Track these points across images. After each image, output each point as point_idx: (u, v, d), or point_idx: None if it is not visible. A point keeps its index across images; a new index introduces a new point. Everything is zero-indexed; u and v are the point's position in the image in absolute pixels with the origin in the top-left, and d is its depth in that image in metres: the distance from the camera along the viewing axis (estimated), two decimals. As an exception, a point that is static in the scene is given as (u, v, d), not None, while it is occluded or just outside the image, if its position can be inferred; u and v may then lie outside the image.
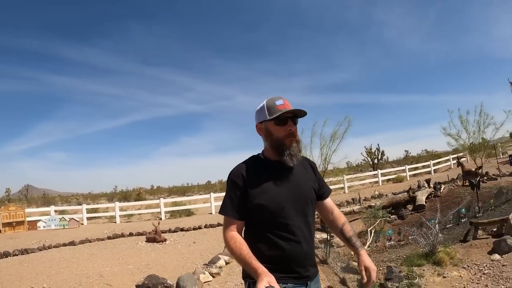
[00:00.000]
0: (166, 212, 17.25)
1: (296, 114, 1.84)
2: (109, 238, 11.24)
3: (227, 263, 6.35)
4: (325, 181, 2.20)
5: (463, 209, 7.67)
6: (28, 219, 15.72)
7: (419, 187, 11.98)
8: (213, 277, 5.70)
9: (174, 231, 11.65)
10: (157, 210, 17.48)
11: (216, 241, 9.01)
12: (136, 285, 4.83)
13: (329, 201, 2.11)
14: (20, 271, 7.33)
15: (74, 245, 10.39)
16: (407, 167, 24.94)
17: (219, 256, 6.44)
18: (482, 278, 4.80)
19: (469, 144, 16.35)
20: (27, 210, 16.86)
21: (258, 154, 1.97)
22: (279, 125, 1.80)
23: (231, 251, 1.72)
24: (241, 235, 1.79)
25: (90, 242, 10.74)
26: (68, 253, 9.21)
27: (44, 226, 15.32)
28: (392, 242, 6.95)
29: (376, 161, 35.67)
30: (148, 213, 18.51)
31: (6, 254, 9.22)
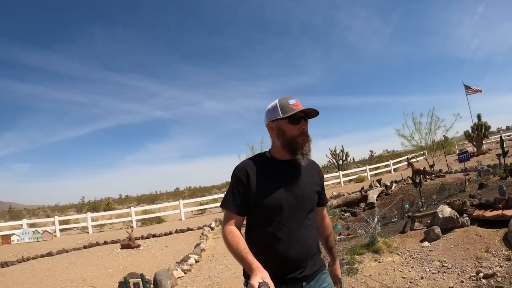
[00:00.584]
0: (137, 221, 17.92)
1: (308, 114, 1.87)
2: (85, 247, 11.86)
3: (196, 261, 7.27)
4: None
5: (407, 205, 8.35)
6: (0, 233, 16.09)
7: (371, 186, 13.10)
8: (185, 273, 6.59)
9: (147, 238, 12.38)
10: (128, 218, 18.06)
11: (187, 244, 9.86)
12: (119, 282, 5.58)
13: (323, 209, 2.20)
14: (5, 282, 7.95)
15: (52, 255, 10.99)
16: (368, 167, 26.41)
17: (190, 255, 7.32)
18: (411, 262, 5.56)
19: (421, 145, 17.65)
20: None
21: (265, 152, 1.99)
22: (293, 124, 1.81)
23: (228, 245, 1.72)
24: (239, 231, 1.79)
25: (67, 252, 11.34)
26: (47, 263, 9.84)
27: (18, 240, 15.66)
28: (342, 236, 7.81)
29: (341, 162, 36.11)
30: (119, 222, 19.03)
31: None
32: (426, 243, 5.93)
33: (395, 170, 26.65)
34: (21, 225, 17.73)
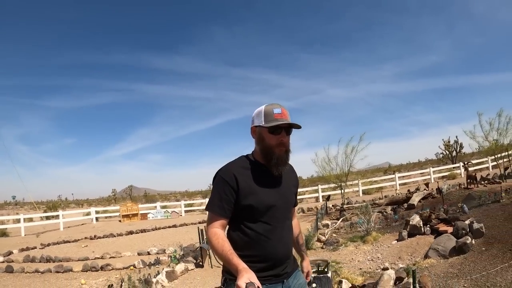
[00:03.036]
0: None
1: (291, 125, 1.86)
2: (199, 222, 16.36)
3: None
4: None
5: (427, 209, 8.94)
6: (140, 212, 21.80)
7: (417, 189, 14.37)
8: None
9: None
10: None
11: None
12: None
13: (295, 209, 2.25)
14: (144, 239, 12.88)
15: (176, 227, 16.01)
16: (460, 164, 24.34)
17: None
18: (373, 251, 7.10)
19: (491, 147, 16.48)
20: (140, 206, 23.00)
21: (247, 155, 1.98)
22: (273, 134, 1.82)
23: (213, 247, 1.74)
24: (224, 233, 1.79)
25: (186, 225, 16.17)
26: (172, 231, 14.83)
27: (152, 217, 21.26)
28: (361, 228, 9.06)
29: (454, 153, 33.77)
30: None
31: (131, 232, 15.00)
32: (395, 242, 7.23)
33: (493, 167, 23.82)
34: (155, 206, 23.39)
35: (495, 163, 18.44)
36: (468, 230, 6.21)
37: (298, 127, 1.88)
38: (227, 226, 1.90)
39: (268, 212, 1.83)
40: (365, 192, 22.44)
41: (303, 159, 22.31)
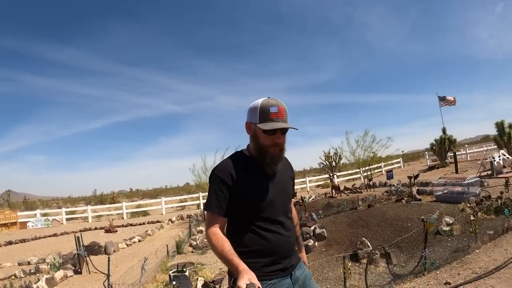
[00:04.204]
0: (128, 213, 22.36)
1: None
2: (80, 231, 16.27)
3: (139, 240, 11.66)
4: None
5: None
6: (19, 220, 20.80)
7: None
8: (127, 245, 11.00)
9: (125, 226, 16.89)
10: (121, 211, 22.57)
11: (143, 230, 14.19)
12: (85, 245, 9.82)
13: (292, 201, 2.21)
14: (24, 249, 12.67)
15: (56, 236, 15.73)
16: (337, 174, 27.86)
17: (135, 236, 11.74)
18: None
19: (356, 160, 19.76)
20: (18, 213, 21.92)
21: (242, 150, 1.98)
22: (267, 134, 1.78)
23: (213, 247, 1.72)
24: (223, 232, 1.78)
25: (68, 234, 15.95)
26: (53, 239, 14.62)
27: (32, 226, 20.38)
28: None
29: (334, 164, 34.11)
30: (115, 213, 23.36)
31: (10, 242, 14.50)
32: None
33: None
34: (35, 214, 22.46)
35: (365, 174, 20.64)
36: (312, 234, 7.60)
37: (295, 129, 1.86)
38: (228, 224, 1.89)
39: (268, 207, 1.83)
40: None
41: (189, 165, 22.84)
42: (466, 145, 33.13)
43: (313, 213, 9.57)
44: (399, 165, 31.53)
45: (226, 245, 1.70)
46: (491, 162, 15.14)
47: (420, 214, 7.93)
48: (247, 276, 1.49)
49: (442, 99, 27.60)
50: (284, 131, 1.84)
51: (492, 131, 23.11)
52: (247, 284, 1.44)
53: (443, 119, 32.56)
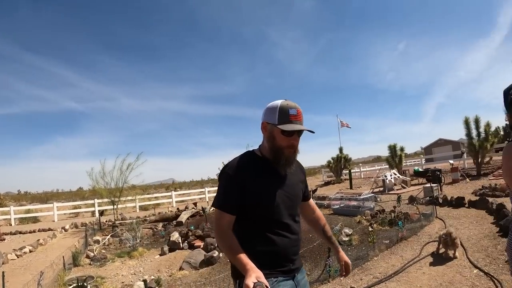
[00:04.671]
0: (16, 219, 20.39)
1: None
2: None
3: (30, 251, 10.70)
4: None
5: (192, 226, 10.21)
6: None
7: (186, 208, 16.08)
8: (17, 257, 10.01)
9: (14, 233, 15.27)
10: (9, 216, 20.47)
11: (34, 239, 13.10)
12: None
13: (312, 202, 2.27)
14: None
15: None
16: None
17: (26, 246, 10.76)
18: (138, 265, 7.95)
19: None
20: None
21: (254, 150, 1.98)
22: (285, 135, 1.79)
23: (221, 244, 1.73)
24: (231, 230, 1.78)
25: None
26: None
27: None
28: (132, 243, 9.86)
29: None
30: (2, 219, 21.09)
31: None
32: (157, 256, 8.15)
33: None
34: None
35: None
36: (216, 245, 7.55)
37: (312, 132, 1.89)
38: (235, 224, 1.86)
39: (275, 209, 1.82)
40: (142, 208, 22.98)
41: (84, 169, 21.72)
42: (360, 164, 35.68)
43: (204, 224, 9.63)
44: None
45: (234, 242, 1.71)
46: (383, 180, 16.55)
47: (321, 226, 8.30)
48: (255, 274, 1.50)
49: (341, 121, 29.82)
50: (300, 133, 1.86)
51: (384, 153, 25.66)
52: (254, 283, 1.44)
53: (340, 139, 35.14)
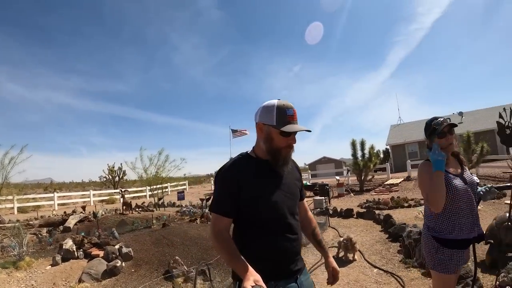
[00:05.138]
0: None
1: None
2: None
3: None
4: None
5: (82, 232, 9.27)
6: None
7: (74, 212, 14.84)
8: None
9: None
10: None
11: None
12: None
13: (305, 203, 2.23)
14: None
15: None
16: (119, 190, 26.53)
17: None
18: (28, 278, 6.78)
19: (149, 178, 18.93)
20: None
21: (247, 152, 1.97)
22: (283, 136, 1.80)
23: (218, 248, 1.71)
24: (228, 233, 1.78)
25: None
26: None
27: None
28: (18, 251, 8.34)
29: (117, 179, 35.56)
30: None
31: None
32: (49, 267, 7.10)
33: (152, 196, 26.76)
34: None
35: (151, 193, 20.41)
36: (118, 254, 7.11)
37: (309, 131, 1.89)
38: (234, 225, 1.86)
39: (275, 209, 1.80)
40: (21, 210, 20.42)
41: None
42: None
43: (114, 230, 9.08)
44: (184, 187, 32.81)
45: (231, 246, 1.69)
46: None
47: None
48: (253, 277, 1.50)
49: (234, 131, 29.88)
50: (296, 132, 1.86)
51: None
52: (252, 286, 1.45)
53: (231, 150, 35.82)
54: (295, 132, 1.84)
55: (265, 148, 1.87)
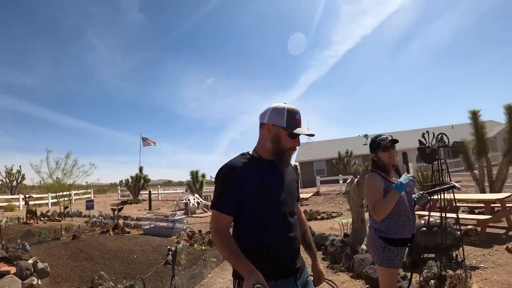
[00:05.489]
0: None
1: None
2: None
3: None
4: None
5: None
6: None
7: None
8: None
9: None
10: None
11: None
12: None
13: (298, 205, 2.23)
14: None
15: None
16: (20, 196, 23.57)
17: None
18: None
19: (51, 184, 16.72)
20: None
21: (248, 152, 1.99)
22: (291, 138, 1.87)
23: (219, 246, 1.73)
24: (229, 231, 1.80)
25: None
26: None
27: None
28: None
29: (15, 183, 31.85)
30: None
31: None
32: None
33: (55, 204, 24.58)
34: None
35: (55, 200, 18.94)
36: (33, 270, 6.29)
37: (312, 135, 2.04)
38: (234, 224, 1.85)
39: (275, 207, 1.82)
40: None
41: None
42: (159, 186, 35.67)
43: (25, 243, 8.22)
44: (90, 195, 31.09)
45: (232, 244, 1.70)
46: (186, 203, 17.17)
47: (141, 246, 8.34)
48: (254, 276, 1.50)
49: (145, 139, 29.93)
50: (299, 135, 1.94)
51: (175, 178, 26.57)
52: (254, 284, 1.45)
53: (140, 159, 34.64)
54: (299, 135, 1.92)
55: (271, 148, 1.91)
